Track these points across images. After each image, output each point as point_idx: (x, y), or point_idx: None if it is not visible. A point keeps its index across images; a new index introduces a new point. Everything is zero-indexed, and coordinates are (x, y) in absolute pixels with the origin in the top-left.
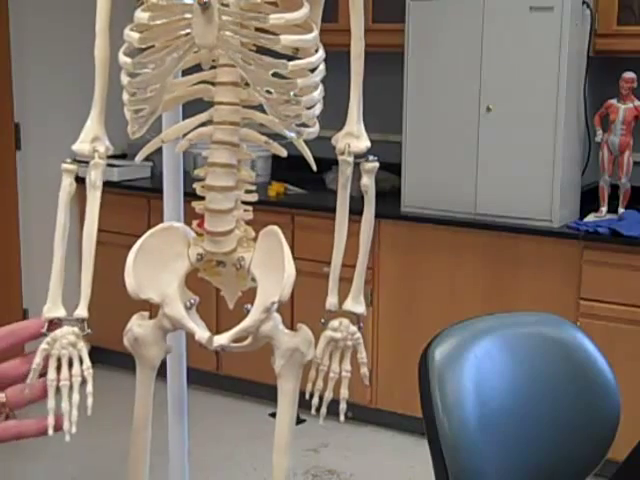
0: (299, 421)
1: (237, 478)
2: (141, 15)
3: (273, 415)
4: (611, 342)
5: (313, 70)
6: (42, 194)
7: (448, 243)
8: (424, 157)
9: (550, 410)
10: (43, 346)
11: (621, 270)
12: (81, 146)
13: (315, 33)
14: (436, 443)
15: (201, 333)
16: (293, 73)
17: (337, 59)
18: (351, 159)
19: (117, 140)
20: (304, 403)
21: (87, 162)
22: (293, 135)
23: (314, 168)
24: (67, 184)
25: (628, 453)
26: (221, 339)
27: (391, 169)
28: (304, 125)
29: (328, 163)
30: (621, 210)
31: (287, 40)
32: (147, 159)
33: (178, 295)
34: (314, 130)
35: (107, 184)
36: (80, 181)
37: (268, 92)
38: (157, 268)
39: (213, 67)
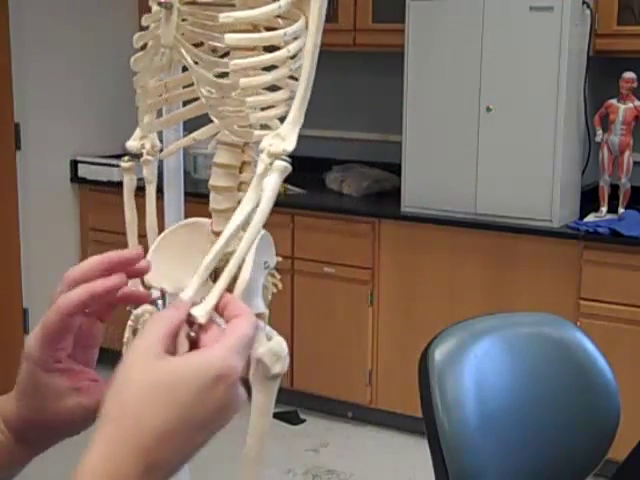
0: (299, 421)
1: (237, 478)
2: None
3: (273, 415)
4: (611, 342)
5: (269, 69)
6: (42, 194)
7: (448, 243)
8: (424, 157)
9: (550, 410)
10: (130, 322)
11: (621, 270)
12: (131, 143)
13: (273, 33)
14: (436, 443)
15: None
16: (238, 73)
17: (337, 59)
18: (268, 160)
19: (117, 140)
20: (304, 403)
21: (89, 162)
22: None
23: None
24: (127, 181)
25: (628, 453)
26: None
27: (391, 169)
28: (253, 127)
29: (328, 163)
30: (621, 210)
31: (230, 39)
32: (137, 157)
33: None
34: (268, 133)
35: (107, 184)
36: (80, 181)
37: (210, 92)
38: (176, 261)
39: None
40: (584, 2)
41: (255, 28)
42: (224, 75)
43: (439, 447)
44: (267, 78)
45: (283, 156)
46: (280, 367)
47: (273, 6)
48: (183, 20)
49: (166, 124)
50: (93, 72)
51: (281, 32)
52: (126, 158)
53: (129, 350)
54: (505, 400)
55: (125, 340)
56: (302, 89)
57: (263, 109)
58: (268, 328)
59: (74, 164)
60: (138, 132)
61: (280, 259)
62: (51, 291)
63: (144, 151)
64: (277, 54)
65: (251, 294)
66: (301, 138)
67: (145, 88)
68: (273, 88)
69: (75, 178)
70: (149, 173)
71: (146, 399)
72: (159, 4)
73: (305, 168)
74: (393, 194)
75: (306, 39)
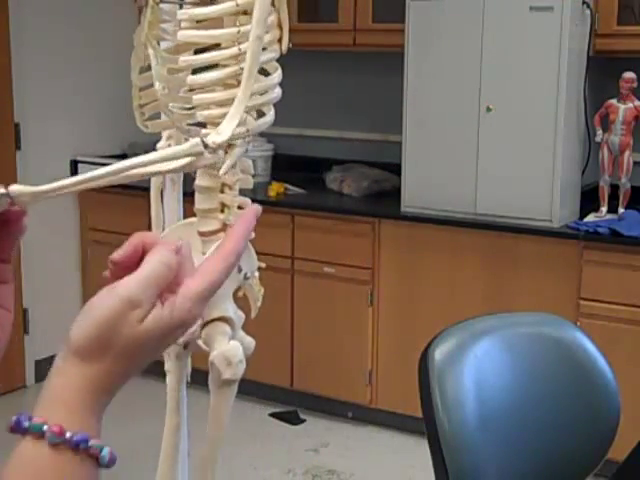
0: (299, 421)
1: (237, 478)
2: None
3: (273, 415)
4: (611, 342)
5: (212, 68)
6: None
7: (448, 243)
8: (424, 157)
9: (550, 410)
10: None
11: (621, 270)
12: (160, 144)
13: (226, 30)
14: (436, 443)
15: None
16: (185, 69)
17: (337, 59)
18: (197, 139)
19: (117, 140)
20: (304, 403)
21: (89, 162)
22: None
23: (221, 172)
24: (154, 180)
25: (628, 453)
26: None
27: (391, 169)
28: (201, 125)
29: (328, 163)
30: (621, 210)
31: (182, 35)
32: None
33: None
34: (215, 132)
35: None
36: None
37: (163, 88)
38: None
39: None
40: (584, 2)
41: (203, 26)
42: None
43: (439, 447)
44: (215, 75)
45: (211, 146)
46: (231, 373)
47: (230, 4)
48: (156, 18)
49: (170, 125)
50: (93, 72)
51: (234, 30)
52: None
53: (118, 291)
54: (505, 400)
55: None
56: (243, 85)
57: (211, 107)
58: (241, 334)
59: (74, 164)
60: (166, 133)
61: (263, 265)
62: (51, 291)
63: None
64: (226, 52)
65: (217, 297)
66: (301, 138)
67: (135, 85)
68: (226, 87)
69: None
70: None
71: (126, 353)
72: (134, 1)
73: (305, 168)
74: (393, 194)
75: (249, 33)
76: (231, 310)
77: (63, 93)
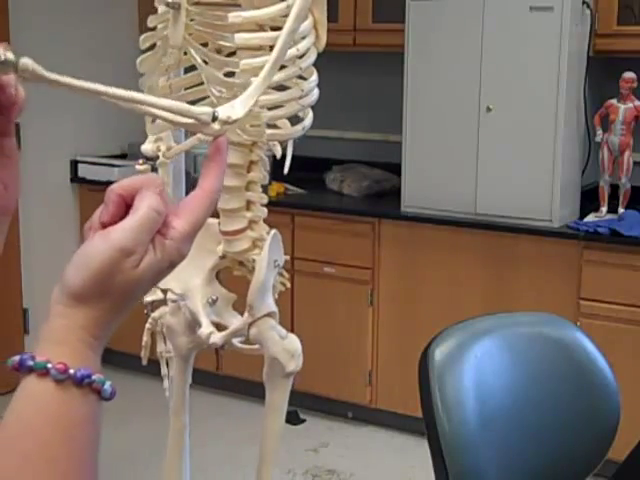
0: (299, 421)
1: (237, 478)
2: (149, 18)
3: None
4: (611, 342)
5: (280, 68)
6: (42, 194)
7: (448, 243)
8: (424, 157)
9: (550, 410)
10: (147, 325)
11: (621, 270)
12: (146, 146)
13: (278, 33)
14: (436, 443)
15: (204, 328)
16: (248, 72)
17: (337, 59)
18: (217, 125)
19: (117, 140)
20: (304, 403)
21: (89, 162)
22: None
23: (285, 170)
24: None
25: (628, 453)
26: (216, 337)
27: (391, 169)
28: (273, 126)
29: (328, 163)
30: (621, 210)
31: (240, 38)
32: (148, 159)
33: (200, 289)
34: (279, 132)
35: (107, 184)
36: (80, 181)
37: (220, 92)
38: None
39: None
40: (584, 2)
41: (261, 28)
42: (232, 74)
43: (439, 447)
44: (277, 77)
45: (225, 121)
46: (294, 365)
47: (281, 5)
48: (191, 20)
49: (170, 127)
50: (93, 72)
51: (278, 33)
52: (141, 161)
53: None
54: (505, 400)
55: (144, 344)
56: (267, 67)
57: (272, 108)
58: (279, 327)
59: (74, 164)
60: (153, 135)
61: (287, 257)
62: (51, 291)
63: (160, 153)
64: (288, 52)
65: (264, 293)
66: (301, 138)
67: (152, 89)
68: (280, 88)
69: (75, 178)
70: (165, 175)
71: (122, 295)
72: (167, 4)
73: (305, 168)
74: (393, 194)
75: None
76: (274, 304)
77: (63, 93)
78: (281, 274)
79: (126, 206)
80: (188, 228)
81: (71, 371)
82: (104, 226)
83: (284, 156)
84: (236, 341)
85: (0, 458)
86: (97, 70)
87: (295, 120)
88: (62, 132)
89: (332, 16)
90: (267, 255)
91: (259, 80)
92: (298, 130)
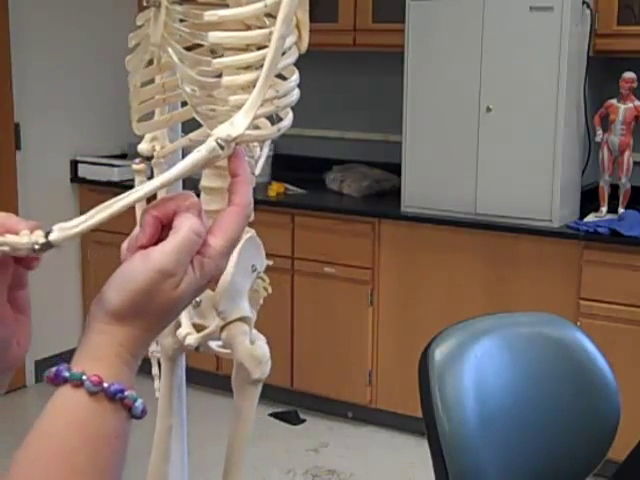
0: (299, 421)
1: None
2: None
3: (273, 415)
4: (611, 342)
5: (249, 68)
6: (42, 194)
7: (448, 243)
8: (424, 157)
9: (550, 410)
10: None
11: (621, 270)
12: (142, 146)
13: (259, 31)
14: (436, 443)
15: (182, 329)
16: (221, 71)
17: (337, 59)
18: (213, 143)
19: (117, 140)
20: (304, 403)
21: (89, 162)
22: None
23: (257, 171)
24: (138, 183)
25: (628, 453)
26: (190, 339)
27: (391, 169)
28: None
29: (328, 163)
30: (621, 210)
31: (214, 37)
32: (148, 159)
33: None
34: (254, 133)
35: (107, 184)
36: (80, 181)
37: (193, 90)
38: None
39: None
40: (584, 2)
41: (249, 28)
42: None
43: (439, 447)
44: (251, 77)
45: (226, 140)
46: (260, 372)
47: (259, 5)
48: (172, 19)
49: (164, 124)
50: (93, 72)
51: (267, 31)
52: (137, 160)
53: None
54: (505, 400)
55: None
56: (262, 79)
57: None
58: (254, 332)
59: (74, 164)
60: (149, 135)
61: (270, 262)
62: (51, 291)
63: (155, 153)
64: (261, 52)
65: (236, 297)
66: (301, 138)
67: (136, 87)
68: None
69: (75, 178)
70: (160, 175)
71: (161, 315)
72: (147, 2)
73: (305, 168)
74: (393, 194)
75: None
76: (248, 309)
77: (63, 93)
78: (262, 279)
79: (162, 226)
80: (225, 244)
81: (105, 384)
82: (143, 248)
83: (288, 156)
84: (214, 344)
85: (26, 464)
86: (97, 70)
87: (275, 121)
88: (62, 132)
89: (332, 16)
90: (236, 258)
91: (254, 94)
92: (273, 131)
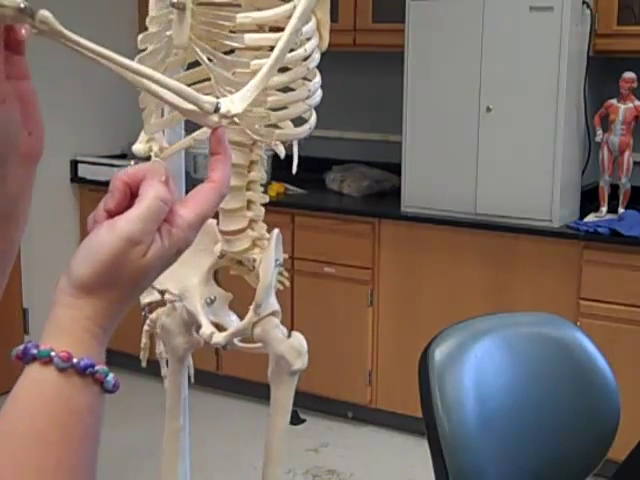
0: (299, 421)
1: (237, 478)
2: (147, 19)
3: None
4: (611, 342)
5: (285, 70)
6: (42, 194)
7: (448, 243)
8: (424, 157)
9: (550, 410)
10: (146, 327)
11: (621, 270)
12: (137, 146)
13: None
14: (436, 443)
15: (205, 329)
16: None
17: (337, 59)
18: (216, 118)
19: (117, 140)
20: (304, 403)
21: (89, 162)
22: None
23: (294, 170)
24: None
25: (628, 453)
26: (218, 337)
27: (391, 169)
28: (274, 126)
29: (328, 163)
30: (621, 210)
31: (251, 39)
32: (148, 159)
33: (197, 290)
34: (287, 132)
35: (107, 184)
36: (80, 181)
37: (230, 92)
38: (179, 261)
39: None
40: (584, 2)
41: (261, 28)
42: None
43: (439, 447)
44: (285, 78)
45: (222, 113)
46: (301, 363)
47: (288, 6)
48: (199, 21)
49: (168, 124)
50: (93, 72)
51: (288, 32)
52: (132, 162)
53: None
54: (505, 400)
55: (142, 345)
56: (268, 64)
57: (277, 109)
58: (281, 326)
59: (74, 164)
60: (143, 135)
61: (286, 256)
62: (51, 291)
63: (152, 154)
64: (295, 54)
65: (268, 294)
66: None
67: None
68: (287, 89)
69: (75, 178)
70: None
71: (130, 285)
72: (172, 4)
73: (305, 168)
74: (393, 194)
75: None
76: (277, 303)
77: (63, 93)
78: (281, 273)
79: (131, 195)
80: (195, 217)
81: (74, 360)
82: (109, 214)
83: (288, 156)
84: (236, 340)
85: None
86: (97, 70)
87: (299, 120)
88: (62, 132)
89: (332, 16)
90: (273, 254)
91: (258, 78)
92: (305, 130)
